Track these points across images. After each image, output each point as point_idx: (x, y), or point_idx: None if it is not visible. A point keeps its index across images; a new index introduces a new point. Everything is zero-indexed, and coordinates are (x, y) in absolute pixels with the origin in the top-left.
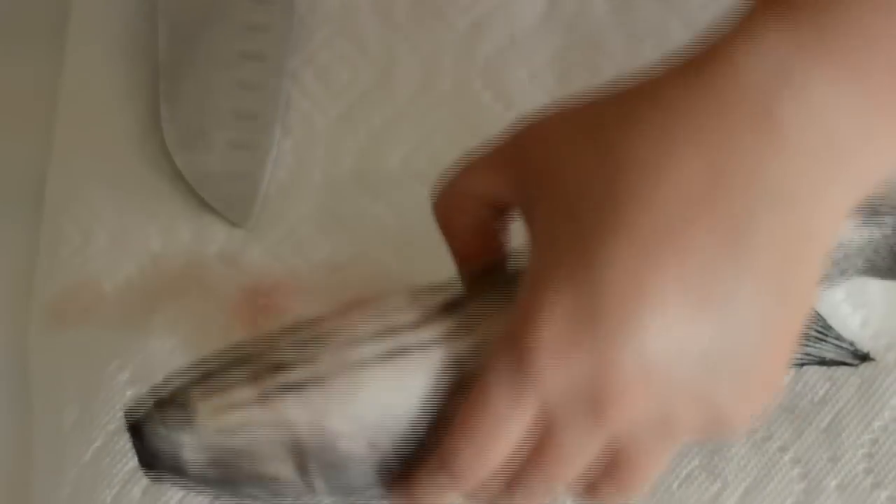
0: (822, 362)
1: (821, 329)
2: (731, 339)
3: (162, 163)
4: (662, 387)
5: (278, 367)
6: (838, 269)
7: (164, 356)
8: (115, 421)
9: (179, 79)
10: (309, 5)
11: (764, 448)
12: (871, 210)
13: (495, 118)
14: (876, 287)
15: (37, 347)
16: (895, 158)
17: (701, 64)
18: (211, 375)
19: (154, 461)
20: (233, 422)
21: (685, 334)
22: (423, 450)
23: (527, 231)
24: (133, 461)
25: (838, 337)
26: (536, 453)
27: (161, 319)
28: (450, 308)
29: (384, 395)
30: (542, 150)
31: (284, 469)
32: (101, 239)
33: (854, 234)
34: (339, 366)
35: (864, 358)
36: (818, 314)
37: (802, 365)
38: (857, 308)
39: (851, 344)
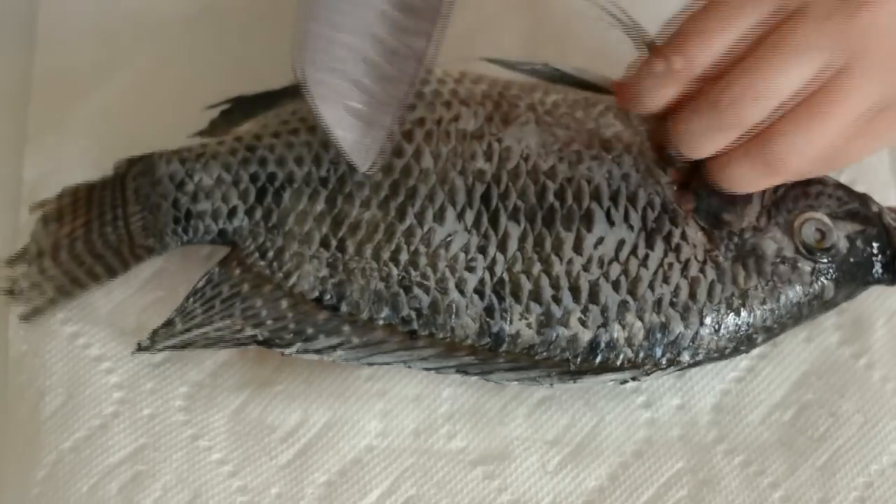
0: None
1: None
2: None
3: (138, 139)
4: None
5: None
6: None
7: (153, 369)
8: (101, 417)
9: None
10: None
11: (755, 483)
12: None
13: None
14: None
15: (18, 325)
16: None
17: None
18: None
19: None
20: None
21: None
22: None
23: None
24: (114, 457)
25: None
26: (760, 51)
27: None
28: None
29: None
30: None
31: None
32: None
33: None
34: None
35: None
36: None
37: None
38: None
39: None
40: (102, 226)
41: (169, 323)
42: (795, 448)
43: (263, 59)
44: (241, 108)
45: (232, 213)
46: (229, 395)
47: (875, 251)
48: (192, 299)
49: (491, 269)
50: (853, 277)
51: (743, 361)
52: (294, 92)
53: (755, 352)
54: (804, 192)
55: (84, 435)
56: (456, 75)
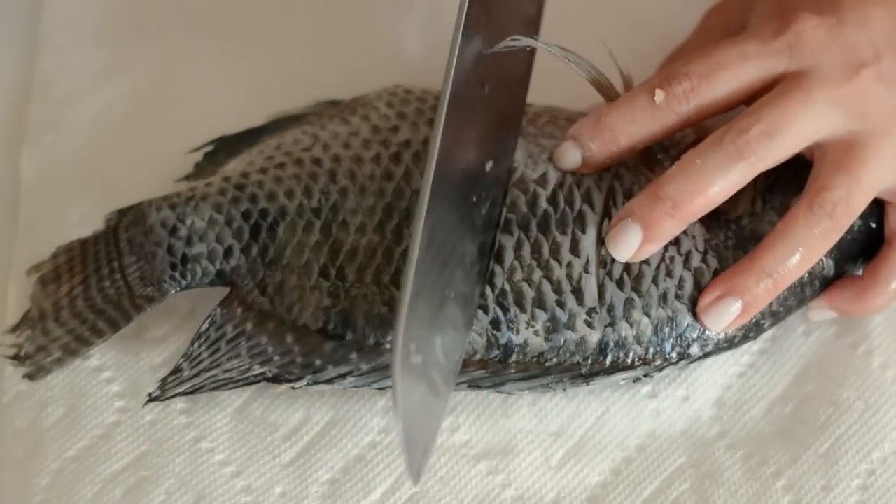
0: None
1: None
2: None
3: (136, 143)
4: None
5: None
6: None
7: (153, 374)
8: (103, 427)
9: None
10: None
11: (758, 473)
12: None
13: None
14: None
15: None
16: None
17: None
18: None
19: None
20: None
21: None
22: None
23: None
24: (118, 464)
25: None
26: (766, 100)
27: (152, 335)
28: None
29: None
30: None
31: None
32: (76, 214)
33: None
34: None
35: None
36: None
37: None
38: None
39: None
40: (100, 280)
41: (177, 370)
42: (797, 438)
43: (264, 70)
44: (224, 147)
45: (228, 252)
46: (231, 394)
47: (871, 227)
48: (197, 343)
49: (490, 281)
50: (851, 254)
51: (744, 356)
52: (274, 127)
53: (755, 347)
54: (795, 175)
55: (86, 444)
56: (435, 92)
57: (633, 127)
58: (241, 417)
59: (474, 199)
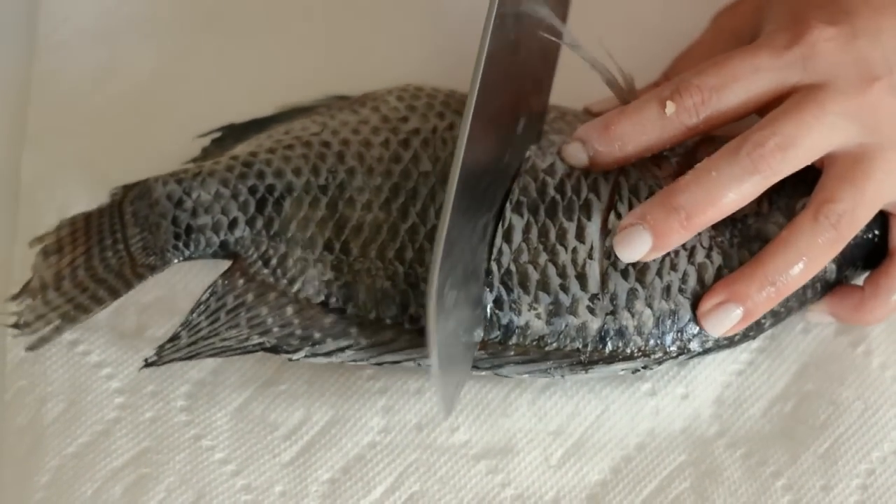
0: None
1: None
2: None
3: (137, 142)
4: None
5: None
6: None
7: (153, 371)
8: (103, 423)
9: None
10: None
11: (757, 472)
12: None
13: None
14: None
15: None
16: None
17: None
18: None
19: None
20: None
21: None
22: None
23: None
24: (117, 461)
25: None
26: (780, 113)
27: (152, 334)
28: None
29: None
30: None
31: None
32: None
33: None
34: None
35: None
36: None
37: None
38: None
39: None
40: (103, 251)
41: (175, 337)
42: (797, 437)
43: (262, 67)
44: (232, 134)
45: (233, 224)
46: (231, 392)
47: (874, 234)
48: (196, 312)
49: (498, 260)
50: (853, 259)
51: (743, 354)
52: (282, 117)
53: (754, 345)
54: (803, 177)
55: (87, 440)
56: (446, 90)
57: (642, 137)
58: (241, 416)
59: (515, 128)
